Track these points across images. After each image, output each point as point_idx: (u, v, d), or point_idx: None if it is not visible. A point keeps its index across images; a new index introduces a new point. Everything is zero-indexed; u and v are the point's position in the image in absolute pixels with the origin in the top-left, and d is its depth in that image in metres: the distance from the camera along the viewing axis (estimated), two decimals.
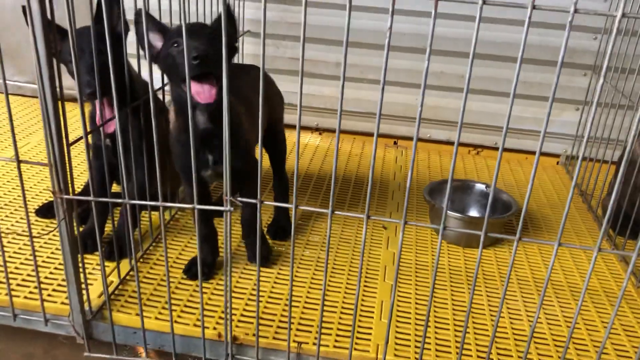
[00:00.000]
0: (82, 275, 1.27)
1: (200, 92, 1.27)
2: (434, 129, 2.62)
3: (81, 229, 1.60)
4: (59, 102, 1.08)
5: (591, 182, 2.19)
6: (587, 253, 1.84)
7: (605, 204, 2.01)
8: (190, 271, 1.57)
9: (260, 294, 1.51)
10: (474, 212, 1.96)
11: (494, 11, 2.30)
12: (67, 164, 1.14)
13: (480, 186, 1.98)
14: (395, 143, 2.68)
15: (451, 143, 2.65)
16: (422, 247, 1.80)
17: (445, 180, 2.03)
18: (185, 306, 1.44)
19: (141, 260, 1.61)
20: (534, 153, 2.61)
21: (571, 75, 2.43)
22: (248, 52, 2.52)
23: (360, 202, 2.07)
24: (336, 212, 1.09)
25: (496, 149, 2.62)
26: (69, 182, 1.16)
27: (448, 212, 1.77)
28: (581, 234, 1.97)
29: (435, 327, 1.44)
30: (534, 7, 0.86)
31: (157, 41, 1.36)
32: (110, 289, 1.46)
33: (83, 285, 1.29)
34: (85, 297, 1.32)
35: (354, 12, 2.43)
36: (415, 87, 2.53)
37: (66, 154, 1.13)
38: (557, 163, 2.59)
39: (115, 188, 1.82)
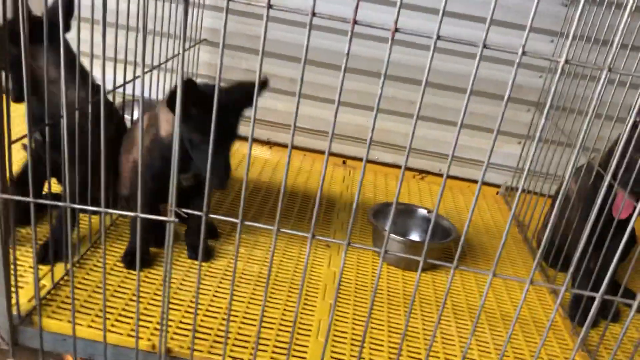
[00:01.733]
0: (12, 277, 1.23)
1: None
2: (382, 151, 2.67)
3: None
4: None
5: (528, 213, 2.28)
6: (520, 284, 1.91)
7: (540, 236, 2.10)
8: (126, 259, 1.60)
9: (199, 306, 1.49)
10: (415, 236, 2.01)
11: (448, 44, 2.37)
12: (8, 162, 1.11)
13: (422, 211, 2.03)
14: (343, 162, 2.71)
15: (397, 166, 2.71)
16: (363, 267, 1.83)
17: (390, 203, 2.07)
18: (120, 315, 1.40)
19: (77, 264, 1.57)
20: (475, 182, 2.70)
21: (516, 110, 2.53)
22: (204, 60, 2.51)
23: (306, 219, 2.08)
24: (282, 230, 1.09)
25: (440, 175, 2.69)
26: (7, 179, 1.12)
27: (390, 235, 1.80)
28: (516, 264, 2.04)
29: (370, 349, 1.45)
30: (484, 46, 0.90)
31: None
32: (42, 293, 1.41)
33: (13, 289, 1.25)
34: (14, 301, 1.28)
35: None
36: (367, 109, 2.58)
37: (6, 151, 1.10)
38: (497, 193, 2.68)
39: (55, 187, 1.77)
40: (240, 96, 1.43)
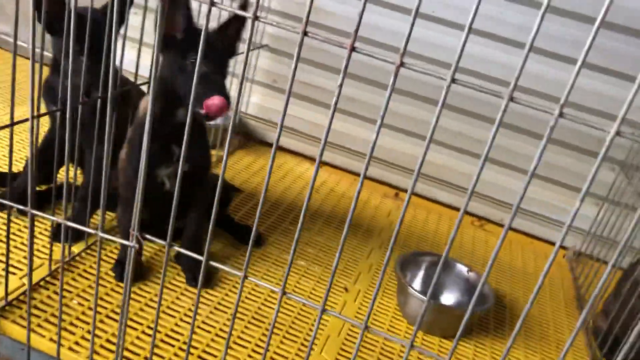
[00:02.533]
0: None
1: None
2: (439, 189, 2.44)
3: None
4: None
5: (592, 285, 1.97)
6: None
7: (598, 324, 1.78)
8: (117, 269, 1.50)
9: (158, 333, 1.35)
10: (447, 295, 1.76)
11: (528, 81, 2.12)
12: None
13: (461, 268, 1.78)
14: (396, 194, 2.50)
15: (454, 208, 2.45)
16: (379, 322, 1.61)
17: (425, 253, 1.83)
18: (83, 337, 1.28)
19: (66, 266, 1.47)
20: (539, 239, 2.39)
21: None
22: (262, 66, 2.40)
23: (333, 246, 1.88)
24: (249, 278, 0.93)
25: (502, 225, 2.41)
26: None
27: (415, 292, 1.58)
28: (563, 344, 1.74)
29: None
30: (511, 99, 0.69)
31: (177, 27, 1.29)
32: (17, 294, 1.33)
33: None
34: None
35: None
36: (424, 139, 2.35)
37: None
38: (564, 257, 2.36)
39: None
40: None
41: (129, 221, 1.35)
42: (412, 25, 0.68)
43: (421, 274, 1.77)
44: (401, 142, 2.39)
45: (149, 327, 1.35)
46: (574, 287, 2.12)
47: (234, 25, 1.36)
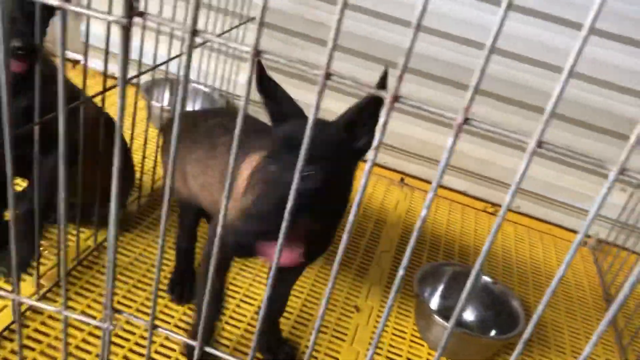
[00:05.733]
0: None
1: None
2: (450, 175, 2.22)
3: None
4: None
5: (621, 275, 1.80)
6: None
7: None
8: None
9: None
10: (470, 315, 1.56)
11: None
12: None
13: (486, 279, 1.58)
14: (401, 180, 2.28)
15: (467, 195, 2.25)
16: (396, 348, 1.43)
17: (446, 264, 1.63)
18: None
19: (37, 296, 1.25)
20: (560, 226, 2.20)
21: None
22: (249, 42, 2.12)
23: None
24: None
25: (517, 213, 2.22)
26: None
27: (439, 319, 1.38)
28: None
29: None
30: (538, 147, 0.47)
31: None
32: None
33: None
34: None
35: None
36: (433, 122, 2.12)
37: None
38: (586, 244, 2.18)
39: None
40: None
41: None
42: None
43: (441, 288, 1.57)
44: (406, 124, 2.15)
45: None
46: (599, 279, 1.96)
47: (367, 110, 0.91)
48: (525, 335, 0.54)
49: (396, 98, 0.48)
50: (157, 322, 1.27)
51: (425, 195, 2.15)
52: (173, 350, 1.24)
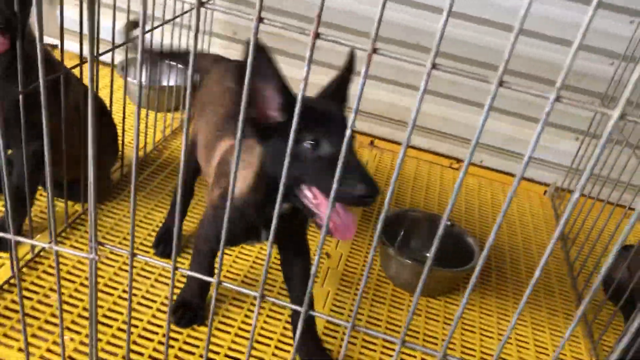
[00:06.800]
0: None
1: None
2: (416, 135, 2.35)
3: None
4: None
5: (578, 221, 1.93)
6: (551, 331, 1.60)
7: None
8: (177, 313, 1.31)
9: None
10: (429, 253, 1.71)
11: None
12: None
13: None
14: (371, 143, 2.41)
15: (432, 152, 2.38)
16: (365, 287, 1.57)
17: (409, 210, 1.77)
18: (55, 342, 1.21)
19: (31, 264, 1.38)
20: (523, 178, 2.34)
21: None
22: (219, 16, 2.23)
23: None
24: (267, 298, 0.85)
25: (481, 166, 2.36)
26: None
27: (398, 257, 1.53)
28: (551, 296, 1.73)
29: None
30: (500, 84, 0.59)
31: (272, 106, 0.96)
32: None
33: None
34: None
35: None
36: (400, 86, 2.25)
37: None
38: (545, 193, 2.33)
39: None
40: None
41: (196, 271, 1.11)
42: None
43: (402, 232, 1.71)
44: (375, 90, 2.28)
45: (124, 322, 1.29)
46: (556, 222, 2.11)
47: (342, 82, 1.02)
48: (481, 261, 0.64)
49: (374, 50, 0.60)
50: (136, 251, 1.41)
51: (394, 156, 2.30)
52: (152, 273, 1.43)
